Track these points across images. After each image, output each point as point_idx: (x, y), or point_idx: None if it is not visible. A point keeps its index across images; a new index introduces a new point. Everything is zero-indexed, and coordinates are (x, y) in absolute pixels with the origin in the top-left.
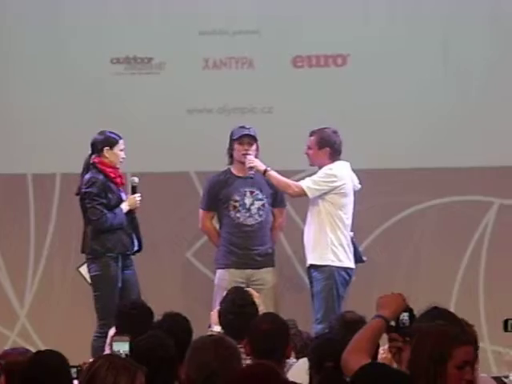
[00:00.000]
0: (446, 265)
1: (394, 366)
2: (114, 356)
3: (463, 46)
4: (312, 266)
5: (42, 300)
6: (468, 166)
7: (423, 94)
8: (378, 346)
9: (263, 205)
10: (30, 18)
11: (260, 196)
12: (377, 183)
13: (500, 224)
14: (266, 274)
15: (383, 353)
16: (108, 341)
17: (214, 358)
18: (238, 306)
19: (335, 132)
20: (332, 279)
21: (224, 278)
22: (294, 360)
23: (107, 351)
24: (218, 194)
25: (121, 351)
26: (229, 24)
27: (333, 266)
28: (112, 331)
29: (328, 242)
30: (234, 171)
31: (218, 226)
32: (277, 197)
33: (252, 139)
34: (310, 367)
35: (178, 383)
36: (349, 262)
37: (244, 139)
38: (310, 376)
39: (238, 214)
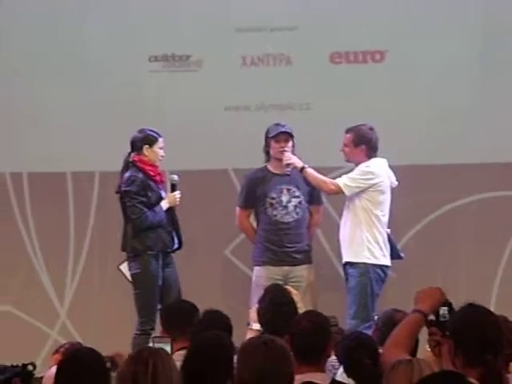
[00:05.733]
0: (486, 261)
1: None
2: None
3: (503, 44)
4: (347, 262)
5: (83, 298)
6: (507, 160)
7: (460, 89)
8: (417, 341)
9: (300, 202)
10: (64, 16)
11: (297, 193)
12: (415, 179)
13: None
14: (303, 271)
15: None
16: None
17: (266, 360)
18: (276, 304)
19: (371, 129)
20: (366, 276)
21: (261, 275)
22: (334, 357)
23: None
24: (255, 192)
25: None
26: (266, 21)
27: (368, 264)
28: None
29: (364, 240)
30: (271, 168)
31: (254, 224)
32: (313, 194)
33: (288, 136)
34: (342, 364)
35: (232, 383)
36: (384, 260)
37: (280, 136)
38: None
39: (274, 212)
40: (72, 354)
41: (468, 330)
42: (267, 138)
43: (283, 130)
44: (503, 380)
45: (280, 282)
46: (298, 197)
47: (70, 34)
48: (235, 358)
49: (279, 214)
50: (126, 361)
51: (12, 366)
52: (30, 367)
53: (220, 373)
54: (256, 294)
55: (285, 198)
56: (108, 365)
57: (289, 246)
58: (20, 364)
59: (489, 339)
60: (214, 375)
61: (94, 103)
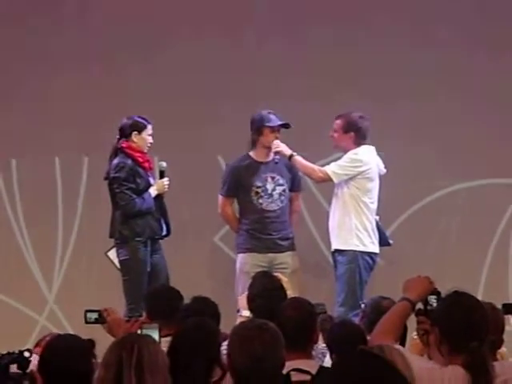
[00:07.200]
0: (474, 248)
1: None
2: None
3: None
4: (336, 250)
5: (71, 284)
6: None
7: (450, 74)
8: (405, 329)
9: (284, 190)
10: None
11: (281, 181)
12: (404, 167)
13: None
14: (287, 258)
15: (416, 338)
16: None
17: (259, 344)
18: (267, 290)
19: (362, 117)
20: (355, 263)
21: (246, 262)
22: (323, 345)
23: None
24: (240, 180)
25: None
26: None
27: (356, 251)
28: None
29: (352, 227)
30: (254, 156)
31: (236, 212)
32: (295, 181)
33: (286, 127)
34: (332, 353)
35: (220, 368)
36: (373, 247)
37: (277, 127)
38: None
39: (260, 200)
40: (53, 341)
41: (453, 316)
42: (262, 126)
43: (283, 122)
44: (488, 367)
45: (265, 269)
46: (282, 185)
47: (54, 17)
48: (225, 343)
49: (265, 203)
50: (110, 346)
51: (8, 353)
52: (27, 354)
53: (206, 357)
54: (241, 281)
55: (269, 186)
56: (96, 316)
57: (274, 233)
58: (16, 351)
59: (473, 326)
60: (200, 360)
61: (83, 88)
